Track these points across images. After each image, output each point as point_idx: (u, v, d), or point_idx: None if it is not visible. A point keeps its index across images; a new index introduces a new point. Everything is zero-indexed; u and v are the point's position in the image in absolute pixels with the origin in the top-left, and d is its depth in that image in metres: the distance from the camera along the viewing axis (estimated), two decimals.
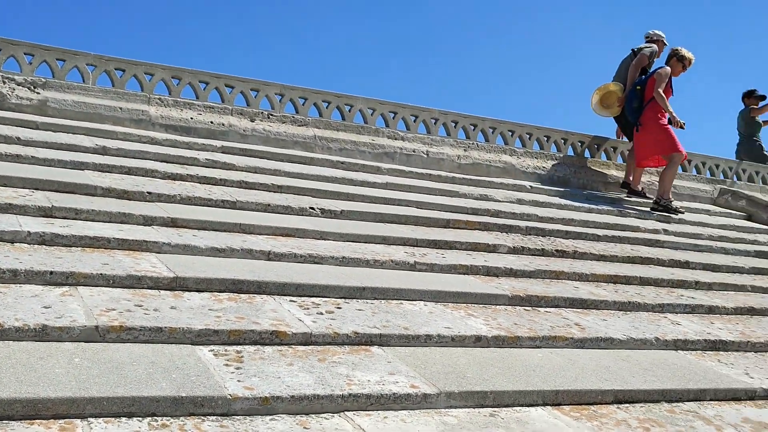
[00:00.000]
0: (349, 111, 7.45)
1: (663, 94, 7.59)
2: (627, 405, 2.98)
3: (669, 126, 7.66)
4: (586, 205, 7.09)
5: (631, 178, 8.21)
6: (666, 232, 6.69)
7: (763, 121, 10.85)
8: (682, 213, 7.43)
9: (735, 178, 9.40)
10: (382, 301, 3.55)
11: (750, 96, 10.95)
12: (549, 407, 2.80)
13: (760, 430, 2.96)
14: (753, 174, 9.56)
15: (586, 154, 8.57)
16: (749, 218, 8.30)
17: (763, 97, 10.94)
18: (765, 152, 10.88)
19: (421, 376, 2.74)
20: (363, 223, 4.99)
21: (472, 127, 7.99)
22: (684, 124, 7.70)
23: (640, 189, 8.14)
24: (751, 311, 4.72)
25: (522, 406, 2.77)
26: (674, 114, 7.63)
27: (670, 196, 7.56)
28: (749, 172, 9.56)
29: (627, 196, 7.98)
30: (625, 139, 8.58)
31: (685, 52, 7.82)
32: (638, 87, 7.86)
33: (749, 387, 3.37)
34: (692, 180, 8.86)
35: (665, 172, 7.63)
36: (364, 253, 4.23)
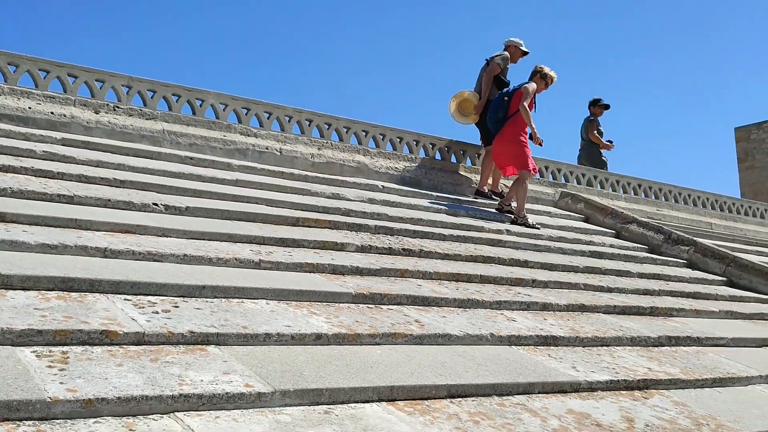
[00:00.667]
0: (200, 105, 7.29)
1: (528, 109, 7.82)
2: (460, 399, 3.07)
3: (527, 142, 7.91)
4: (435, 206, 7.27)
5: (490, 182, 8.51)
6: (508, 232, 6.97)
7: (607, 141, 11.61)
8: (538, 228, 7.49)
9: (575, 182, 9.92)
10: (223, 300, 3.49)
11: (595, 105, 11.66)
12: (384, 403, 2.85)
13: (582, 420, 3.14)
14: (591, 178, 10.13)
15: (438, 156, 8.80)
16: (587, 220, 8.77)
17: (607, 106, 11.73)
18: (604, 158, 11.59)
19: (257, 375, 2.72)
20: (208, 221, 4.89)
21: (327, 126, 8.01)
22: (542, 142, 7.95)
23: (486, 191, 8.42)
24: (582, 308, 4.99)
25: (357, 402, 2.80)
26: (536, 130, 7.85)
27: (524, 213, 7.67)
28: (588, 176, 10.11)
29: (475, 197, 8.25)
30: (480, 144, 8.86)
31: (548, 70, 8.11)
32: (506, 98, 8.03)
33: (575, 380, 3.56)
34: (536, 183, 9.27)
35: (515, 189, 7.83)
36: (207, 250, 4.15)
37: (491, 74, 8.43)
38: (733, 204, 11.52)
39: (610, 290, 5.71)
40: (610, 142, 11.62)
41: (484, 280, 5.08)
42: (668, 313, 5.46)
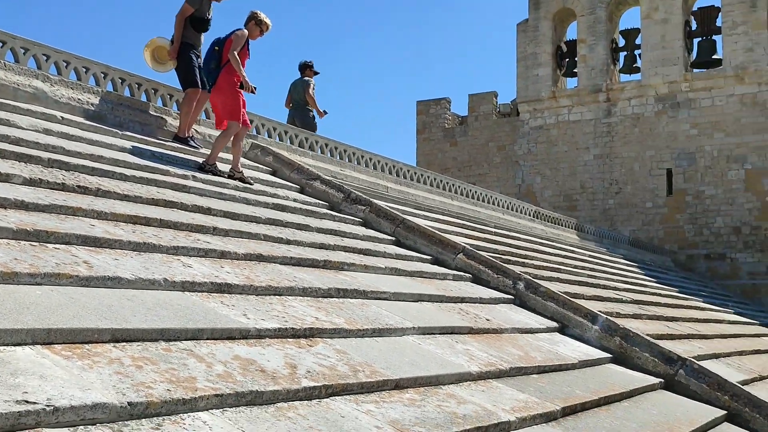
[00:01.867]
0: None
1: (238, 57, 7.64)
2: (124, 344, 2.98)
3: (240, 91, 7.76)
4: (119, 144, 6.91)
5: (192, 130, 8.25)
6: (195, 178, 6.86)
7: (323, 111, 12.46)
8: (251, 184, 7.46)
9: (266, 135, 10.02)
10: None
11: (306, 68, 12.34)
12: (39, 346, 2.67)
13: (247, 366, 3.21)
14: (282, 133, 10.29)
15: (127, 92, 8.35)
16: (274, 173, 8.92)
17: (317, 72, 12.50)
18: (315, 122, 12.33)
19: None
20: None
21: (0, 44, 7.19)
22: (255, 88, 7.85)
23: (186, 137, 8.15)
24: (260, 258, 5.09)
25: (8, 345, 2.59)
26: (246, 78, 7.72)
27: (215, 161, 7.55)
28: (279, 130, 10.26)
29: (173, 141, 7.98)
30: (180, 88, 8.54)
31: (263, 16, 7.95)
32: (217, 48, 7.77)
33: (244, 327, 3.63)
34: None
35: (221, 139, 7.69)
36: None
37: (183, 15, 8.10)
38: (408, 171, 12.44)
39: (288, 242, 5.89)
40: (325, 111, 12.51)
41: (163, 224, 4.95)
42: (340, 267, 5.78)
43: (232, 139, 7.80)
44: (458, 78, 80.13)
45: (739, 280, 22.23)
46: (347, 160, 11.05)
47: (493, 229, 11.81)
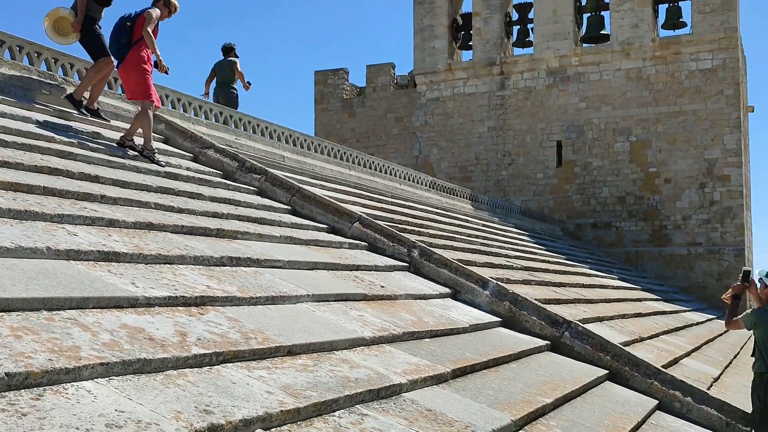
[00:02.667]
0: None
1: (152, 35, 7.41)
2: (2, 314, 2.87)
3: (151, 70, 7.51)
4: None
5: (96, 104, 7.91)
6: (81, 146, 6.61)
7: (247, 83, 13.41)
8: (163, 166, 7.22)
9: (170, 106, 9.74)
10: None
11: (231, 50, 13.49)
12: None
13: (135, 334, 3.15)
14: (175, 100, 10.02)
15: (7, 55, 7.92)
16: (166, 142, 8.69)
17: (237, 56, 13.57)
18: (238, 100, 13.29)
19: None
20: None
21: None
22: (168, 68, 7.61)
23: (80, 100, 7.84)
24: (150, 226, 4.97)
25: None
26: (161, 57, 7.50)
27: (152, 146, 7.31)
28: (172, 98, 9.99)
29: (65, 99, 7.65)
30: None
31: None
32: (128, 23, 7.48)
33: (132, 295, 3.55)
34: (116, 98, 8.90)
35: (138, 121, 7.43)
36: None
37: None
38: (306, 140, 12.36)
39: (180, 211, 5.77)
40: (249, 83, 13.49)
41: (47, 192, 4.76)
42: (233, 235, 5.71)
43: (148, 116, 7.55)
44: (356, 49, 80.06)
45: (624, 247, 23.29)
46: (243, 129, 10.88)
47: (390, 199, 11.92)
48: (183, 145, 8.57)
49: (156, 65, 7.63)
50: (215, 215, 6.13)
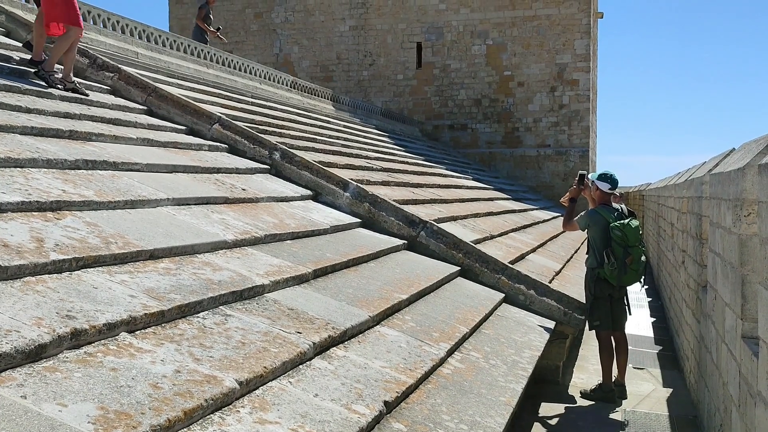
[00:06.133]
0: None
1: None
2: None
3: None
4: None
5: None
6: None
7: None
8: (86, 95, 6.75)
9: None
10: None
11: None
12: None
13: None
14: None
15: None
16: (8, 35, 8.14)
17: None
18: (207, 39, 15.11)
19: None
20: None
21: None
22: None
23: (42, 59, 7.10)
24: None
25: None
26: None
27: (54, 68, 6.73)
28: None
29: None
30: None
31: None
32: None
33: None
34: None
35: (60, 44, 6.79)
36: None
37: None
38: (160, 36, 11.86)
39: (28, 111, 5.50)
40: (218, 28, 15.39)
41: None
42: (88, 137, 5.53)
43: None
44: None
45: (479, 148, 24.13)
46: (92, 23, 10.29)
47: (250, 99, 11.74)
48: (26, 39, 8.04)
49: None
50: (67, 116, 5.88)
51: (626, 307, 7.08)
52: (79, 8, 7.11)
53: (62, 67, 6.95)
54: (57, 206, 3.85)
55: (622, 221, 6.77)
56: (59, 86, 6.71)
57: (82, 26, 7.06)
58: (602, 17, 27.16)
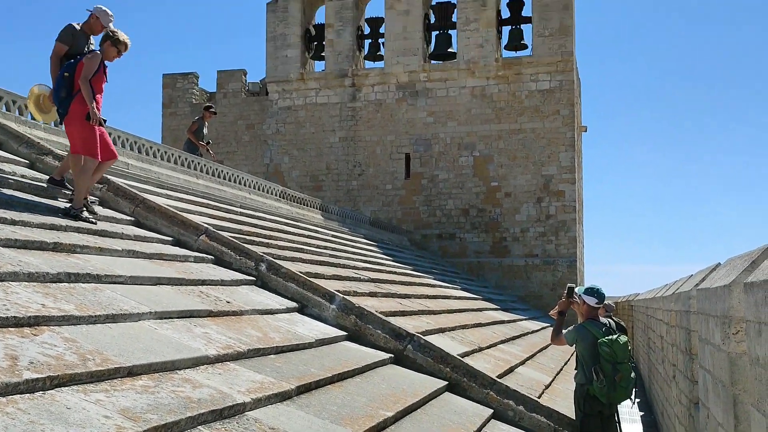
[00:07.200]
0: None
1: (90, 85, 6.80)
2: None
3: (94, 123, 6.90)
4: None
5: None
6: None
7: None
8: (95, 223, 6.65)
9: (5, 108, 9.17)
10: None
11: (207, 109, 15.93)
12: None
13: None
14: (10, 102, 9.47)
15: None
16: (0, 147, 8.22)
17: (214, 113, 16.35)
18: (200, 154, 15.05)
19: None
20: None
21: None
22: (104, 121, 7.01)
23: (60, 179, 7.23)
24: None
25: None
26: (95, 110, 6.84)
27: (82, 204, 6.74)
28: (6, 99, 9.43)
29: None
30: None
31: (121, 36, 7.06)
32: (66, 74, 6.85)
33: None
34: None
35: (81, 178, 6.83)
36: None
37: (57, 56, 7.08)
38: (151, 147, 12.02)
39: (14, 222, 5.49)
40: (209, 142, 15.50)
41: None
42: (72, 249, 5.50)
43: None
44: (207, 54, 78.58)
45: (467, 258, 24.19)
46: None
47: (239, 209, 11.80)
48: (18, 151, 8.12)
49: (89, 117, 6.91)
50: (53, 227, 5.87)
51: (617, 425, 6.92)
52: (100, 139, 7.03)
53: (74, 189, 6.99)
54: (35, 321, 3.77)
55: (610, 337, 6.70)
56: (90, 218, 6.66)
57: (98, 157, 6.95)
58: (586, 131, 27.85)
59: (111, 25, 7.24)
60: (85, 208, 6.78)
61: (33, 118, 8.13)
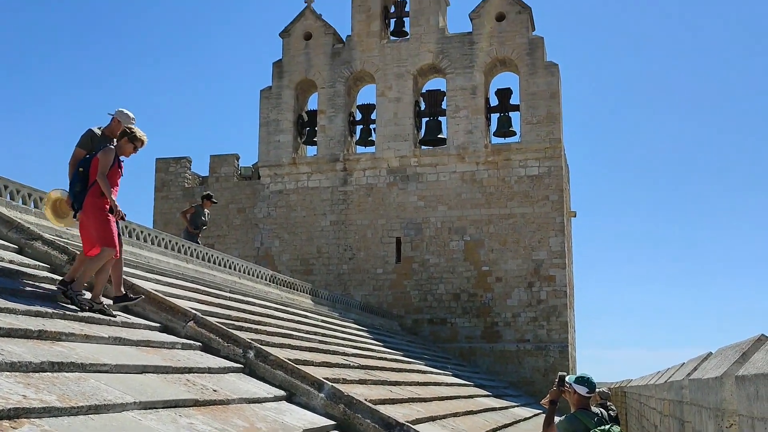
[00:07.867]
0: None
1: (107, 180, 6.87)
2: None
3: (111, 216, 6.93)
4: None
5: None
6: None
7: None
8: (114, 316, 6.72)
9: (21, 202, 9.20)
10: None
11: (207, 198, 16.68)
12: None
13: None
14: (2, 188, 9.51)
15: None
16: None
17: (215, 202, 17.42)
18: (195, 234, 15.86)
19: None
20: None
21: None
22: (125, 215, 7.10)
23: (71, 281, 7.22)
24: None
25: None
26: (116, 203, 6.92)
27: (100, 298, 6.81)
28: (11, 188, 9.47)
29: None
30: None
31: (138, 132, 7.16)
32: (81, 169, 6.96)
33: None
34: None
35: (91, 265, 6.85)
36: None
37: (75, 161, 7.13)
38: (142, 232, 12.03)
39: None
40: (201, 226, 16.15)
41: None
42: (57, 337, 5.42)
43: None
44: (200, 139, 79.60)
45: (458, 343, 23.97)
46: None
47: (228, 294, 11.73)
48: (7, 236, 8.11)
49: (111, 211, 6.95)
50: (38, 314, 5.80)
51: None
52: (117, 230, 7.04)
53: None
54: (15, 414, 3.69)
55: (603, 427, 6.57)
56: (86, 306, 6.63)
57: (117, 247, 6.93)
58: (575, 216, 28.04)
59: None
60: (95, 304, 6.74)
61: (49, 222, 8.08)
